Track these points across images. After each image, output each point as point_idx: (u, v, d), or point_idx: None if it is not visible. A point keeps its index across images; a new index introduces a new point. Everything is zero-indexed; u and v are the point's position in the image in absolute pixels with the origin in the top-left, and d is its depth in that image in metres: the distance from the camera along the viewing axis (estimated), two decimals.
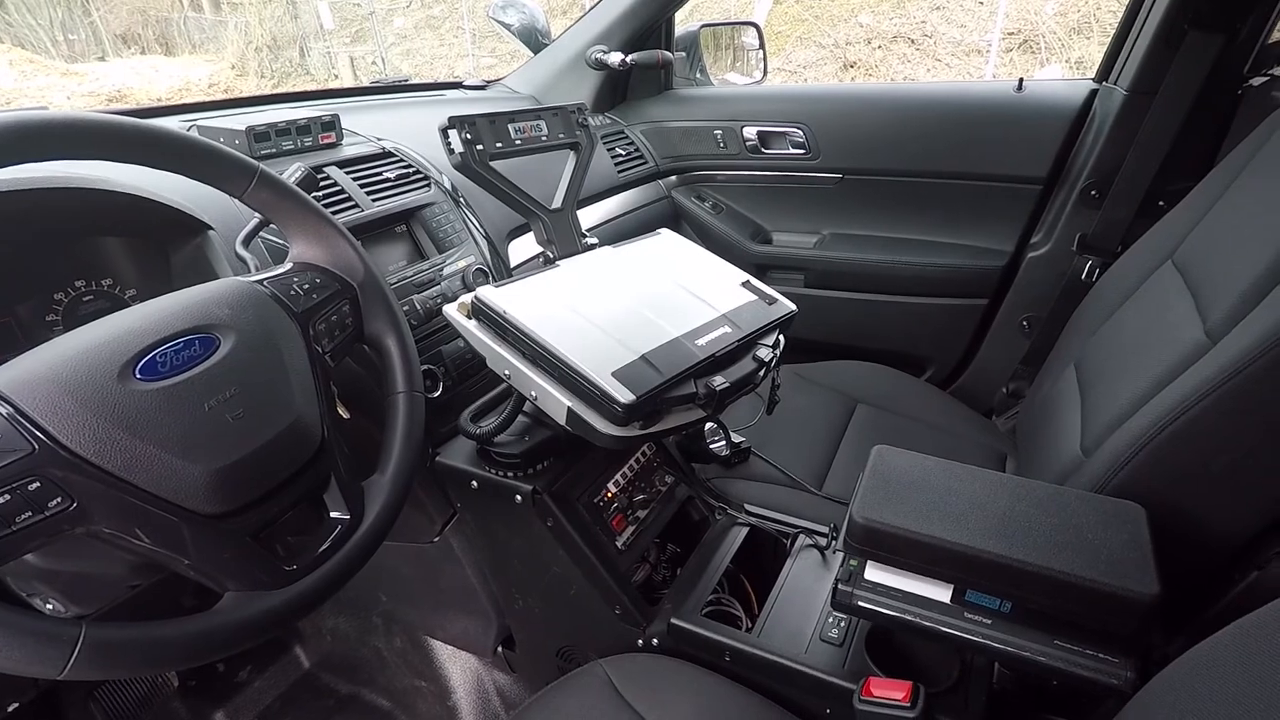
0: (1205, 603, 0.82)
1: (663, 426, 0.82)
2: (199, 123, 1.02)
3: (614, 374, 0.76)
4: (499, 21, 1.86)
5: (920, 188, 1.60)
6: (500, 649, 1.11)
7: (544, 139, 1.02)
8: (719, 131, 1.74)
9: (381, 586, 1.17)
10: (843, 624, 0.88)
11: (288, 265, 0.69)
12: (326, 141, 1.08)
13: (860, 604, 0.78)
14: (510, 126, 0.99)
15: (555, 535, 0.92)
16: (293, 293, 0.65)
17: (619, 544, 0.97)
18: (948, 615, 0.75)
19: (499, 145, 0.96)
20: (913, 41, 8.34)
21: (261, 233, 0.82)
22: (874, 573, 0.79)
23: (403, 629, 1.21)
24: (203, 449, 0.53)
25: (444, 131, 0.93)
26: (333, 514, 0.62)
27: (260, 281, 0.65)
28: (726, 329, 0.89)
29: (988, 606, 0.74)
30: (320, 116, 1.07)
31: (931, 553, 0.73)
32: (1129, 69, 1.36)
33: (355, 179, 1.05)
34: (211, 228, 0.83)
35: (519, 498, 0.91)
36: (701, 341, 0.85)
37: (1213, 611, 0.82)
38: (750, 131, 1.70)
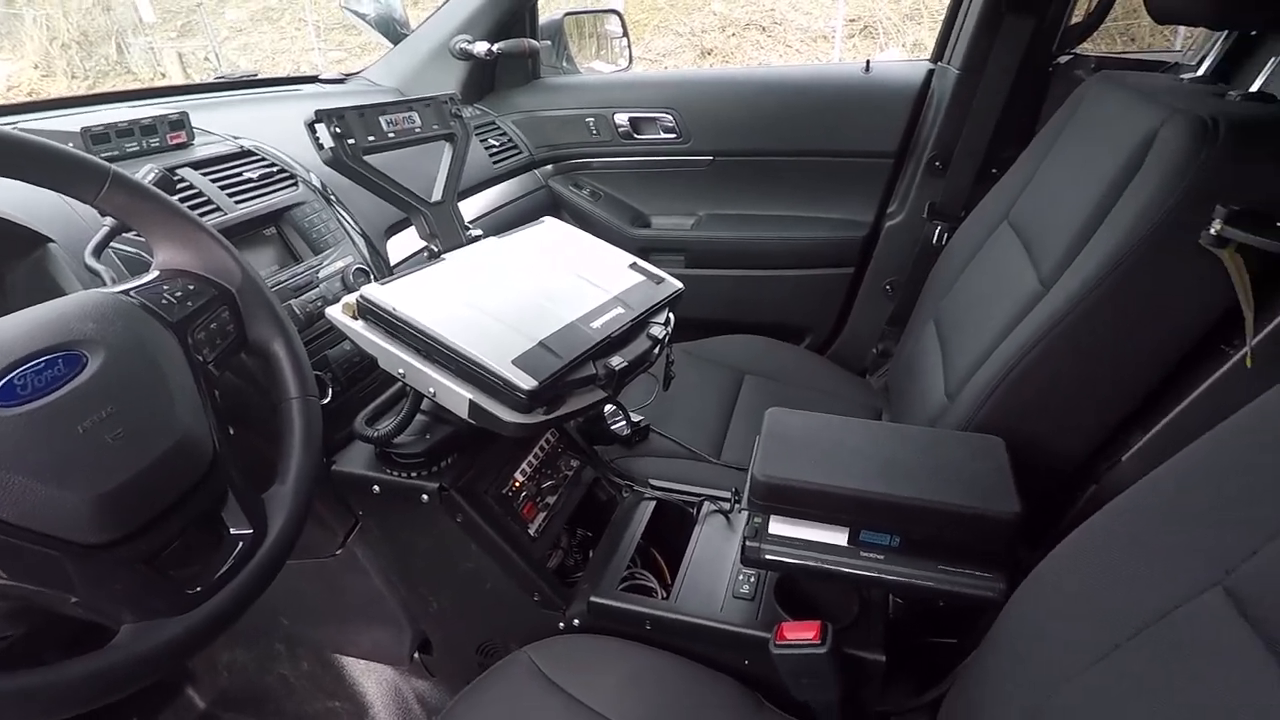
0: (1058, 517, 0.94)
1: (566, 410, 0.83)
2: (21, 125, 0.91)
3: (514, 362, 0.77)
4: (353, 12, 1.78)
5: (786, 166, 1.69)
6: (417, 655, 1.09)
7: (418, 131, 1.00)
8: (591, 119, 1.75)
9: (281, 609, 1.11)
10: (753, 579, 0.93)
11: (154, 274, 0.65)
12: (176, 142, 1.00)
13: (767, 557, 0.83)
14: (381, 119, 0.96)
15: (466, 531, 0.91)
16: (165, 302, 0.61)
17: (531, 532, 0.97)
18: (846, 556, 0.82)
19: (371, 139, 0.93)
20: (764, 29, 8.70)
21: (114, 241, 0.76)
22: (777, 526, 0.84)
23: (309, 650, 1.15)
24: (81, 474, 0.49)
25: (311, 126, 0.89)
26: (233, 531, 0.59)
27: (126, 292, 0.60)
28: (619, 310, 0.91)
29: (880, 543, 0.81)
30: (167, 115, 0.99)
31: (828, 500, 0.79)
32: (959, 50, 1.50)
33: (214, 180, 0.98)
34: (52, 240, 0.75)
35: (425, 497, 0.89)
36: (596, 324, 0.87)
37: (1063, 524, 0.94)
38: (622, 118, 1.73)
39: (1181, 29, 2.00)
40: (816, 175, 1.68)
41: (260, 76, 1.57)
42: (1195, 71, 1.04)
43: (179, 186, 0.90)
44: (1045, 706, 0.56)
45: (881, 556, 0.81)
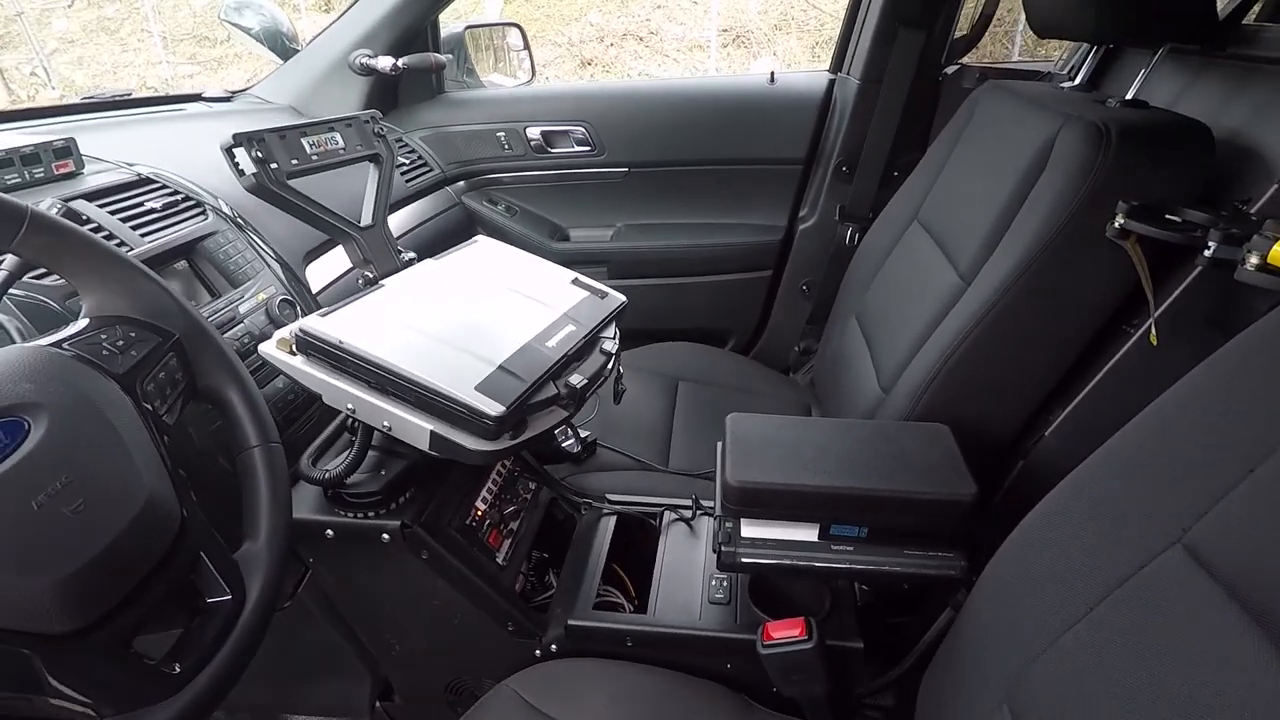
0: (992, 492, 1.02)
1: (532, 433, 0.82)
2: None
3: (477, 388, 0.74)
4: (234, 25, 1.66)
5: (700, 175, 1.73)
6: (378, 704, 1.03)
7: (342, 152, 0.96)
8: (502, 134, 1.72)
9: None
10: (725, 584, 0.94)
11: (84, 321, 0.58)
12: (63, 171, 0.90)
13: (743, 560, 0.85)
14: (304, 141, 0.91)
15: (433, 567, 0.87)
16: (105, 352, 0.55)
17: (499, 560, 0.94)
18: (817, 551, 0.85)
19: (295, 162, 0.88)
20: (641, 39, 8.86)
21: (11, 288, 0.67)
22: (749, 529, 0.86)
23: (256, 716, 1.06)
24: (42, 557, 0.43)
25: (229, 151, 0.83)
26: (210, 599, 0.54)
27: (59, 345, 0.53)
28: (571, 327, 0.90)
29: (849, 535, 0.84)
30: (51, 142, 0.89)
31: (801, 498, 0.82)
32: (858, 61, 1.59)
33: (113, 213, 0.89)
34: None
35: (386, 537, 0.85)
36: (551, 343, 0.86)
37: (998, 497, 1.02)
38: (534, 131, 1.71)
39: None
40: (730, 183, 1.73)
41: (134, 96, 1.43)
42: (1071, 81, 1.15)
43: (78, 222, 0.81)
44: (1026, 673, 0.60)
45: (851, 548, 0.84)
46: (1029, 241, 0.92)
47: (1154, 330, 0.85)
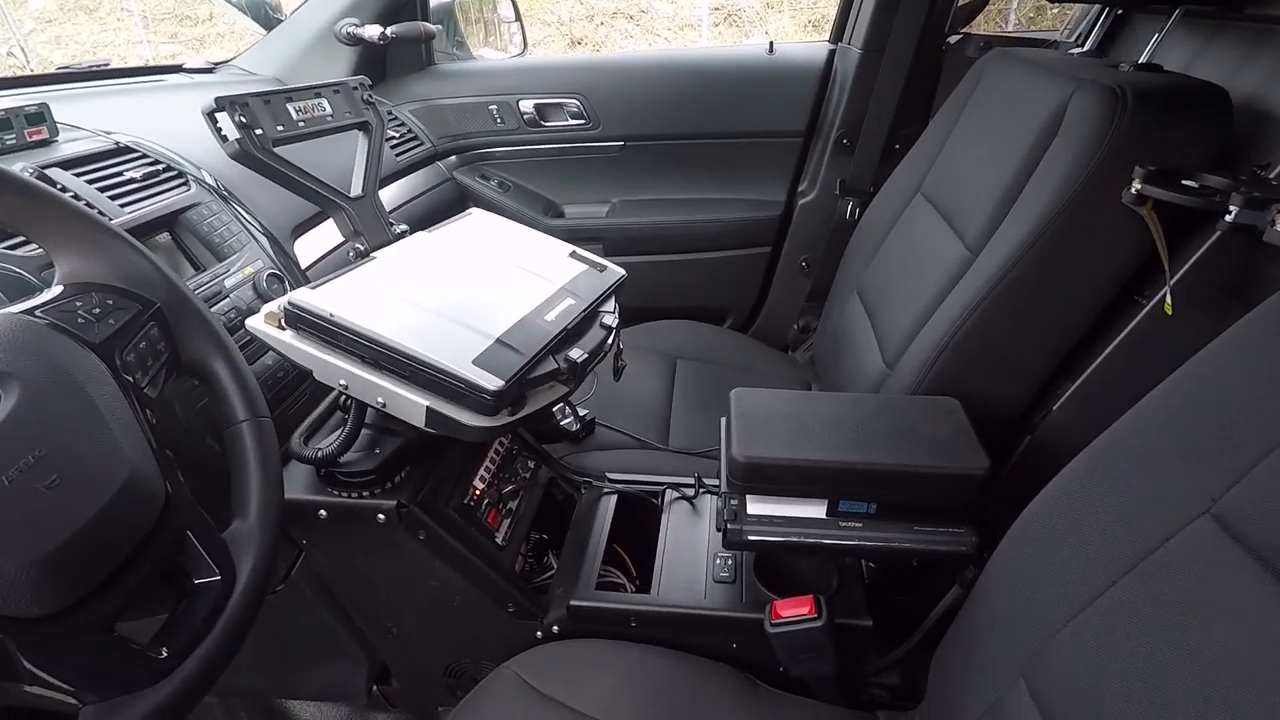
0: (999, 467, 1.00)
1: (531, 409, 0.79)
2: None
3: (474, 362, 0.72)
4: None
5: (697, 149, 1.69)
6: (375, 687, 1.01)
7: (330, 119, 0.92)
8: (494, 107, 1.68)
9: None
10: (730, 562, 0.92)
11: (59, 288, 0.54)
12: (37, 138, 0.86)
13: (750, 538, 0.83)
14: (289, 107, 0.87)
15: (430, 548, 0.84)
16: (81, 320, 0.51)
17: (499, 540, 0.92)
18: (825, 528, 0.83)
19: (280, 129, 0.84)
20: (631, 18, 8.73)
21: None
22: (755, 506, 0.84)
23: (250, 701, 1.04)
24: (15, 535, 0.40)
25: (210, 116, 0.79)
26: (197, 580, 0.51)
27: (31, 311, 0.50)
28: (570, 300, 0.87)
29: (858, 512, 0.82)
30: (22, 107, 0.85)
31: (809, 474, 0.80)
32: (859, 30, 1.55)
33: (90, 182, 0.85)
34: None
35: (382, 517, 0.82)
36: (550, 316, 0.83)
37: (1006, 471, 1.00)
38: (527, 105, 1.67)
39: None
40: (728, 156, 1.69)
41: (114, 66, 1.38)
42: (1080, 48, 1.12)
43: None
44: (1045, 649, 0.59)
45: (860, 525, 0.82)
46: (1041, 209, 0.89)
47: (1169, 299, 0.83)
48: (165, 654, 0.47)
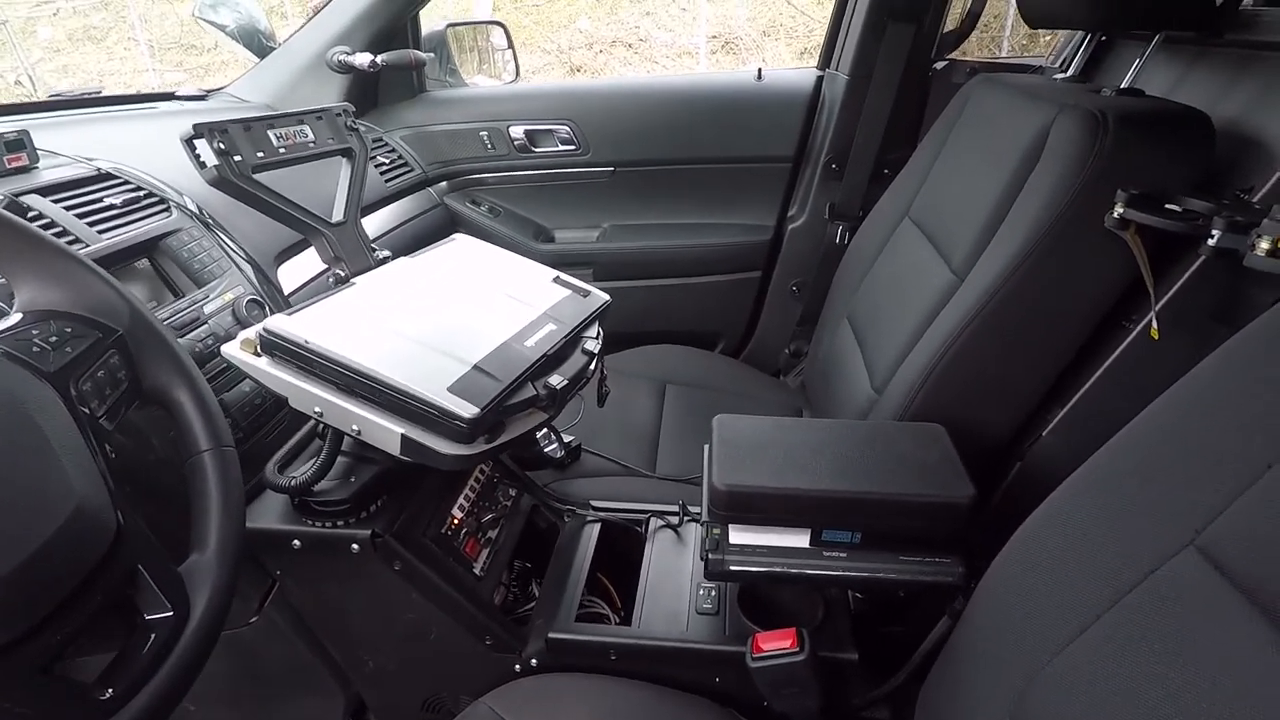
0: (988, 496, 0.98)
1: (508, 437, 0.78)
2: None
3: (450, 389, 0.71)
4: (209, 23, 1.63)
5: (687, 174, 1.70)
6: None
7: (312, 146, 0.92)
8: (485, 133, 1.69)
9: (187, 695, 0.97)
10: (714, 593, 0.90)
11: (16, 316, 0.53)
12: (16, 164, 0.86)
13: (732, 568, 0.81)
14: (270, 133, 0.87)
15: (406, 579, 0.83)
16: (36, 349, 0.50)
17: (476, 571, 0.90)
18: (809, 558, 0.81)
19: (260, 155, 0.84)
20: (629, 46, 8.86)
21: None
22: (737, 536, 0.82)
23: None
24: None
25: (189, 142, 0.79)
26: (148, 616, 0.49)
27: None
28: (551, 326, 0.86)
29: (842, 541, 0.80)
30: (2, 134, 0.85)
31: (792, 503, 0.78)
32: (846, 56, 1.57)
33: (69, 209, 0.85)
34: None
35: (356, 547, 0.80)
36: (530, 342, 0.82)
37: (995, 500, 0.98)
38: (517, 131, 1.68)
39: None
40: (718, 182, 1.69)
41: (106, 94, 1.39)
42: (1064, 73, 1.12)
43: (28, 217, 0.77)
44: (1032, 684, 0.57)
45: (844, 554, 0.80)
46: (1025, 233, 0.89)
47: (1155, 324, 0.82)
48: (109, 694, 0.45)
